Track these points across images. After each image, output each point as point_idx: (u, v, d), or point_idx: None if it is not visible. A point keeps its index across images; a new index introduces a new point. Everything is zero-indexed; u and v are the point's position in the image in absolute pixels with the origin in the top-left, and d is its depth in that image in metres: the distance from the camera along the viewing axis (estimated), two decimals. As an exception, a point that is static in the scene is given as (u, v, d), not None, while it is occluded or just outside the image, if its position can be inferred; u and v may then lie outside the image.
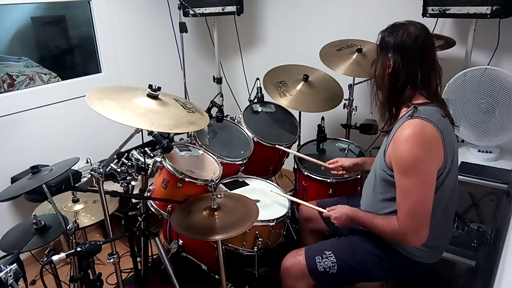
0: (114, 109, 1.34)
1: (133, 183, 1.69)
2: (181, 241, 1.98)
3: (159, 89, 1.48)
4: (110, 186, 1.88)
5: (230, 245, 1.79)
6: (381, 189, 1.46)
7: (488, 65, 2.18)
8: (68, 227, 1.58)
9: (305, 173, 2.16)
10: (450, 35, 2.30)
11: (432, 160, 1.30)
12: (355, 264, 1.51)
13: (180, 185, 1.77)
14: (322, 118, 2.41)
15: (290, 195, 2.12)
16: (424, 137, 1.29)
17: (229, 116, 2.40)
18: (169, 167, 1.76)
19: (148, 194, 1.81)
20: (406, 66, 1.36)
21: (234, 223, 1.54)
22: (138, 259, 1.86)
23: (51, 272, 1.59)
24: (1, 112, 2.25)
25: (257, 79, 2.51)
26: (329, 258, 1.52)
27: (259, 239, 1.78)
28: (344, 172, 1.89)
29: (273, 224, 1.80)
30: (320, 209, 1.68)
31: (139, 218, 1.81)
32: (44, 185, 1.46)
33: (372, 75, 1.48)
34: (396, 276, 1.61)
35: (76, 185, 2.31)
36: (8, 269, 1.13)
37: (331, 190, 2.09)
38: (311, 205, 1.73)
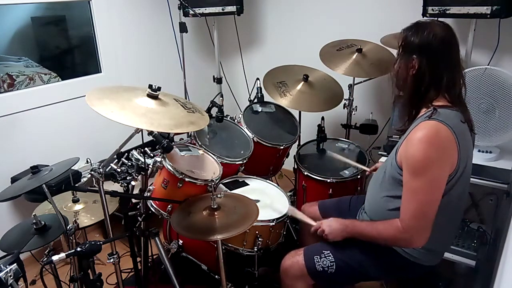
0: (114, 109, 1.34)
1: (133, 183, 1.68)
2: (181, 241, 1.98)
3: (159, 89, 1.48)
4: (110, 186, 1.88)
5: (230, 245, 1.79)
6: (388, 186, 1.45)
7: (488, 65, 2.18)
8: (68, 227, 1.58)
9: (305, 173, 2.16)
10: (450, 35, 2.30)
11: (444, 164, 1.29)
12: (353, 263, 1.51)
13: (180, 185, 1.77)
14: (322, 118, 2.41)
15: (290, 195, 2.12)
16: (438, 140, 1.27)
17: (229, 116, 2.40)
18: (169, 167, 1.76)
19: (148, 194, 1.81)
20: (431, 68, 1.33)
21: (234, 223, 1.54)
22: (138, 259, 1.86)
23: (51, 272, 1.59)
24: (1, 112, 2.25)
25: (257, 79, 2.51)
26: (327, 257, 1.52)
27: (259, 239, 1.78)
28: None
29: (273, 224, 1.80)
30: (312, 222, 1.66)
31: (139, 218, 1.81)
32: (44, 185, 1.46)
33: (393, 74, 1.44)
34: (395, 275, 1.62)
35: (76, 185, 2.31)
36: (8, 269, 1.13)
37: (331, 190, 2.09)
38: (307, 219, 1.70)
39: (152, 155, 1.74)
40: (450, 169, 1.30)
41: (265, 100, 2.54)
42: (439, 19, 2.27)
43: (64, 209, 1.82)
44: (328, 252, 1.53)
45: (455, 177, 1.32)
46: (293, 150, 2.44)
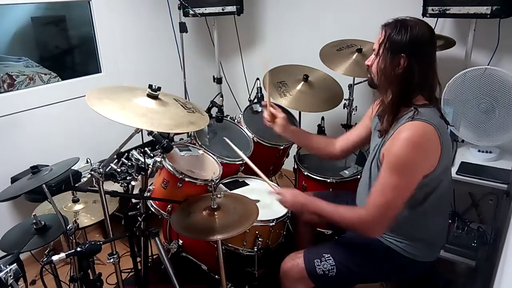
0: (114, 109, 1.34)
1: (133, 183, 1.68)
2: (181, 241, 1.98)
3: (159, 89, 1.48)
4: (110, 186, 1.88)
5: (230, 245, 1.79)
6: None
7: (488, 65, 2.18)
8: (68, 227, 1.57)
9: (305, 173, 2.16)
10: (450, 35, 2.30)
11: (423, 165, 1.31)
12: (354, 266, 1.51)
13: (180, 185, 1.77)
14: (322, 118, 2.42)
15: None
16: (423, 141, 1.29)
17: (229, 116, 2.40)
18: (169, 167, 1.76)
19: (148, 194, 1.81)
20: (420, 66, 1.32)
21: (234, 223, 1.54)
22: (138, 259, 1.86)
23: (51, 272, 1.59)
24: (1, 112, 2.25)
25: (257, 79, 2.50)
26: (328, 261, 1.51)
27: (259, 239, 1.78)
28: (274, 125, 1.83)
29: (273, 224, 1.80)
30: (272, 184, 1.69)
31: (139, 218, 1.81)
32: (44, 185, 1.46)
33: (376, 72, 1.41)
34: (395, 276, 1.62)
35: (76, 185, 2.31)
36: (8, 269, 1.13)
37: (331, 190, 2.09)
38: (266, 179, 1.74)
39: (152, 155, 1.74)
40: (430, 168, 1.32)
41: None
42: (439, 19, 2.31)
43: (64, 209, 1.81)
44: (329, 255, 1.53)
45: (437, 172, 1.33)
46: (293, 150, 2.44)
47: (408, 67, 1.32)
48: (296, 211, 1.54)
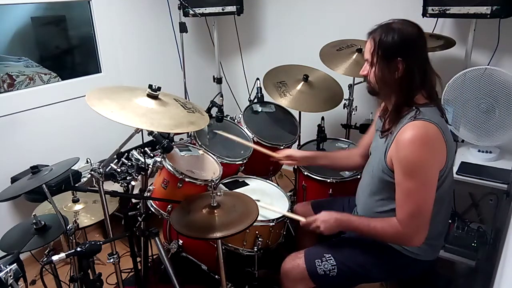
0: (114, 109, 1.34)
1: (133, 183, 1.68)
2: (181, 241, 1.98)
3: (159, 89, 1.48)
4: (110, 186, 1.88)
5: (230, 245, 1.79)
6: (378, 190, 1.46)
7: (488, 65, 2.18)
8: (68, 227, 1.58)
9: (305, 173, 2.16)
10: (450, 35, 2.30)
11: (435, 162, 1.30)
12: (355, 266, 1.50)
13: (180, 185, 1.77)
14: (322, 118, 2.41)
15: (290, 195, 2.12)
16: (428, 139, 1.29)
17: (229, 116, 2.40)
18: (169, 167, 1.76)
19: (148, 194, 1.81)
20: (418, 65, 1.32)
21: (233, 221, 1.53)
22: (138, 259, 1.86)
23: (51, 272, 1.59)
24: (1, 112, 2.25)
25: (257, 79, 2.51)
26: (329, 261, 1.51)
27: (259, 239, 1.78)
28: (294, 162, 1.89)
29: (273, 224, 1.80)
30: (300, 218, 1.63)
31: (139, 218, 1.81)
32: (44, 185, 1.46)
33: (376, 82, 1.40)
34: (397, 276, 1.62)
35: (76, 185, 2.31)
36: (8, 269, 1.13)
37: (331, 190, 2.09)
38: (294, 216, 1.71)
39: (152, 155, 1.74)
40: (440, 166, 1.32)
41: (265, 100, 2.54)
42: (439, 19, 2.31)
43: (64, 209, 1.81)
44: (329, 255, 1.52)
45: (446, 171, 1.35)
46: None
47: (407, 69, 1.32)
48: (333, 230, 1.51)
